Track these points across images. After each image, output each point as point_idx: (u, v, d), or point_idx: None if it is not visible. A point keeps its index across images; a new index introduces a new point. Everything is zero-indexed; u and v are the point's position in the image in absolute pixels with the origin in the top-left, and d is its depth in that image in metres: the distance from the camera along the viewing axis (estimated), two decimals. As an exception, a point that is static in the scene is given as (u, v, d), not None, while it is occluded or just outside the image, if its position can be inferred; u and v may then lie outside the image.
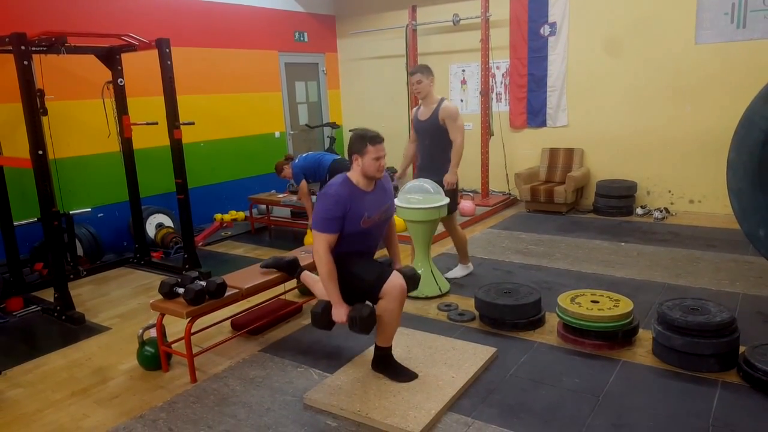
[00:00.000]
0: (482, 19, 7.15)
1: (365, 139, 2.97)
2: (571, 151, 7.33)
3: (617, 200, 6.76)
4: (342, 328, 3.90)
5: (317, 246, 2.96)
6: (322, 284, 3.06)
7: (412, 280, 3.19)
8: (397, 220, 5.64)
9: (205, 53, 7.04)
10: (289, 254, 4.03)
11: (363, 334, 2.99)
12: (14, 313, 4.50)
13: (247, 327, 3.85)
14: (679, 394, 2.94)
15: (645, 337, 3.49)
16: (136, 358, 3.52)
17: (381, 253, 3.47)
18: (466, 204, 6.88)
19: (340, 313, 2.96)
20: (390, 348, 3.16)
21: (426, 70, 4.52)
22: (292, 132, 8.52)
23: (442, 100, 4.57)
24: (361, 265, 3.06)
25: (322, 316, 3.01)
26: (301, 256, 4.03)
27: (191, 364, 3.31)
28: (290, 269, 3.80)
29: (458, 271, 4.89)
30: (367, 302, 2.98)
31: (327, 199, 2.97)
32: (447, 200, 4.38)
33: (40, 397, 3.24)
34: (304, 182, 5.82)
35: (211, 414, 2.96)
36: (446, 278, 4.64)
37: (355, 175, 3.05)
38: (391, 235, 3.42)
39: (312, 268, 3.74)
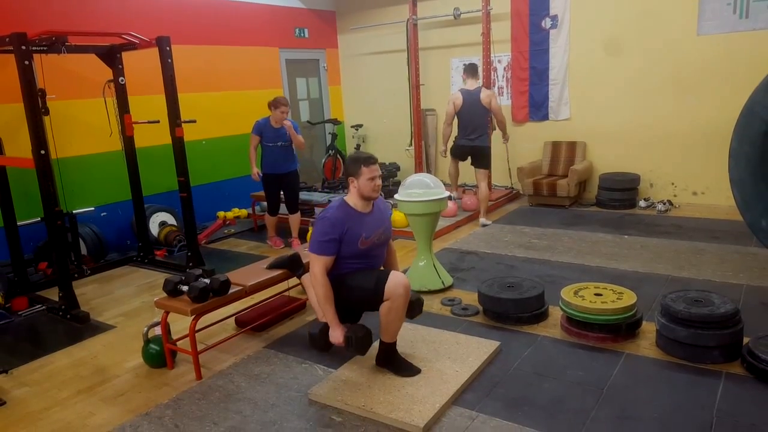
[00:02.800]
0: (483, 13, 7.11)
1: (359, 162, 3.06)
2: (573, 144, 7.31)
3: (620, 193, 6.74)
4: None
5: (314, 268, 3.01)
6: (318, 306, 3.11)
7: (416, 303, 3.24)
8: (399, 215, 5.70)
9: (206, 51, 7.03)
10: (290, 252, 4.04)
11: (359, 354, 3.09)
12: (19, 313, 4.52)
13: (251, 324, 3.87)
14: (683, 385, 2.94)
15: (649, 329, 3.48)
16: (141, 355, 3.53)
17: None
18: (468, 199, 6.88)
19: (336, 334, 3.02)
20: (395, 344, 3.17)
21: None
22: (293, 129, 8.50)
23: None
24: (356, 277, 3.08)
25: (320, 338, 3.08)
26: (304, 252, 4.03)
27: (196, 361, 3.32)
28: (293, 266, 3.81)
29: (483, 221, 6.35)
30: (361, 323, 3.08)
31: (324, 221, 3.04)
32: (447, 194, 4.41)
33: (46, 396, 3.26)
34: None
35: (216, 410, 2.97)
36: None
37: (352, 197, 3.13)
38: (390, 258, 3.43)
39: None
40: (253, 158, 5.82)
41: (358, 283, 3.06)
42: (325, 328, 3.07)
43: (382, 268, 3.31)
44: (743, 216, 4.26)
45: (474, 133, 6.16)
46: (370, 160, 3.09)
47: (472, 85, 6.18)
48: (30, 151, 4.20)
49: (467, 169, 7.92)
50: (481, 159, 6.29)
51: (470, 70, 6.20)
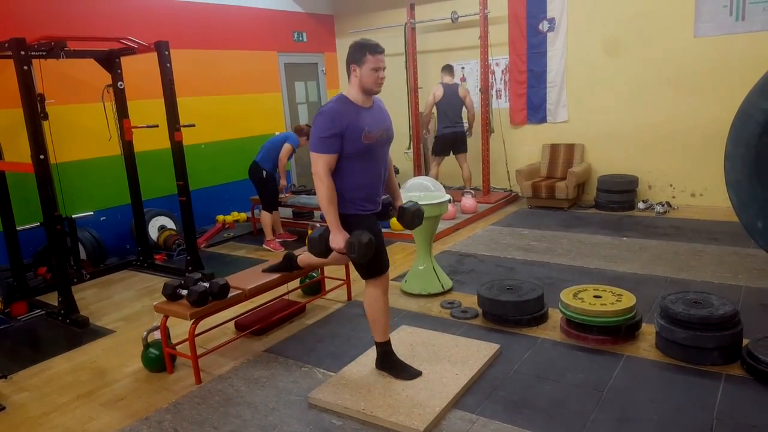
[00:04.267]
0: (481, 16, 7.14)
1: (365, 48, 2.80)
2: (571, 146, 7.33)
3: (619, 195, 6.75)
4: (345, 328, 3.93)
5: (316, 168, 2.80)
6: (321, 208, 2.90)
7: (416, 214, 3.18)
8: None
9: (205, 55, 7.05)
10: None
11: (360, 261, 2.89)
12: (19, 318, 4.52)
13: (250, 327, 3.86)
14: (683, 387, 2.94)
15: (648, 331, 3.49)
16: (141, 360, 3.53)
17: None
18: (467, 201, 6.88)
19: (337, 239, 2.84)
20: (389, 343, 3.15)
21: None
22: (292, 132, 8.51)
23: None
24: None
25: (320, 242, 2.92)
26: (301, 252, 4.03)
27: (195, 365, 3.32)
28: (289, 265, 3.79)
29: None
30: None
31: (323, 116, 2.80)
32: (448, 197, 4.42)
33: (45, 401, 3.25)
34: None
35: (216, 415, 2.97)
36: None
37: (352, 90, 2.88)
38: (391, 178, 3.26)
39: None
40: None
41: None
42: (326, 232, 2.90)
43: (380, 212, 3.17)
44: (739, 217, 4.26)
45: (455, 119, 7.05)
46: (377, 48, 2.80)
47: (449, 80, 7.10)
48: (29, 156, 4.20)
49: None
50: (462, 144, 7.19)
51: (447, 68, 7.19)
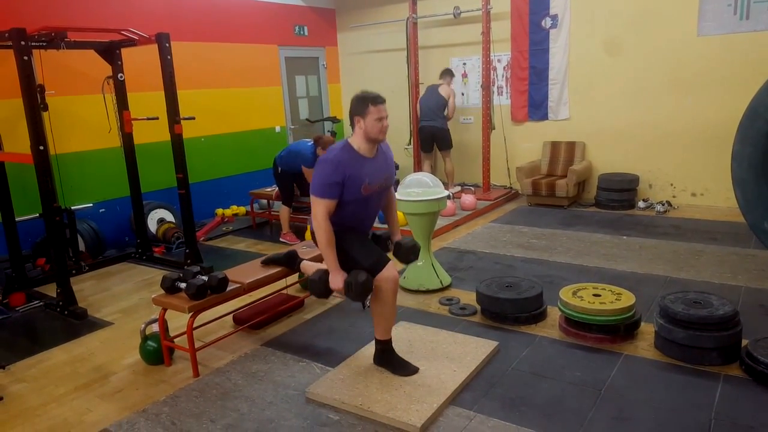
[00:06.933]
0: (483, 12, 7.11)
1: (367, 100, 2.92)
2: (572, 144, 7.31)
3: (619, 194, 6.74)
4: (343, 323, 3.93)
5: (316, 211, 2.91)
6: (320, 250, 3.01)
7: (412, 250, 3.24)
8: (398, 214, 5.70)
9: (205, 48, 7.02)
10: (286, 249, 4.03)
11: (358, 301, 2.99)
12: (17, 309, 4.52)
13: (249, 321, 3.86)
14: (681, 387, 2.94)
15: (647, 330, 3.48)
16: (139, 352, 3.53)
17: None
18: (467, 198, 6.88)
19: (336, 279, 2.94)
20: (390, 341, 3.16)
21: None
22: (292, 126, 8.50)
23: None
24: (357, 247, 3.01)
25: (320, 284, 3.01)
26: (302, 251, 4.03)
27: (193, 358, 3.32)
28: (290, 262, 3.79)
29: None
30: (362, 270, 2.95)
31: (326, 164, 2.91)
32: (446, 193, 4.42)
33: (43, 392, 3.25)
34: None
35: (213, 408, 2.96)
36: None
37: (356, 139, 2.98)
38: (390, 205, 3.36)
39: (316, 260, 3.74)
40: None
41: (356, 256, 2.99)
42: (325, 274, 3.00)
43: (380, 235, 3.32)
44: (745, 217, 4.25)
45: (431, 116, 7.27)
46: (378, 99, 2.94)
47: (441, 83, 7.36)
48: (29, 147, 4.19)
49: (463, 168, 7.92)
50: (442, 140, 7.38)
51: (443, 72, 7.42)
